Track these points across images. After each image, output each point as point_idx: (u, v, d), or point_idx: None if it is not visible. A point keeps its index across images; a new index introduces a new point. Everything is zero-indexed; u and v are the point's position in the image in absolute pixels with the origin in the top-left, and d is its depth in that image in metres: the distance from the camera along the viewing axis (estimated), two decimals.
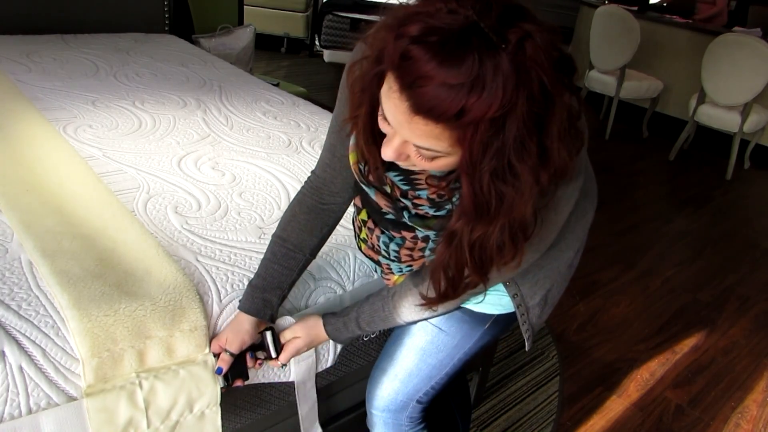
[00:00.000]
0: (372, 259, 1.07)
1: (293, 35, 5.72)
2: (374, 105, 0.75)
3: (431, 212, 0.88)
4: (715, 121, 4.19)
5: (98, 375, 0.94)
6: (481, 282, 0.82)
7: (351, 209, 1.11)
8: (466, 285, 0.83)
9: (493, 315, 1.08)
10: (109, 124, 1.80)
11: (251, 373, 1.12)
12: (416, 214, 0.90)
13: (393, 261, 1.01)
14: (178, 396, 1.00)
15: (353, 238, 1.33)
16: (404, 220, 0.92)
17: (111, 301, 0.99)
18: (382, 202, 0.94)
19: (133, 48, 2.71)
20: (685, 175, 4.24)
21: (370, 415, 1.24)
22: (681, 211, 3.65)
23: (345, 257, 1.28)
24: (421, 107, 0.64)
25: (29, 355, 0.92)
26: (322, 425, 1.41)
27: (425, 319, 1.08)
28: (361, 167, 0.93)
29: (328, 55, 4.77)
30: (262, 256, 1.21)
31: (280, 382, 1.22)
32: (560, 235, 0.94)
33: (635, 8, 4.99)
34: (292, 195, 1.49)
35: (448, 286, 0.84)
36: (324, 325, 1.09)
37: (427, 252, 0.96)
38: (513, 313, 1.07)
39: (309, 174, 1.10)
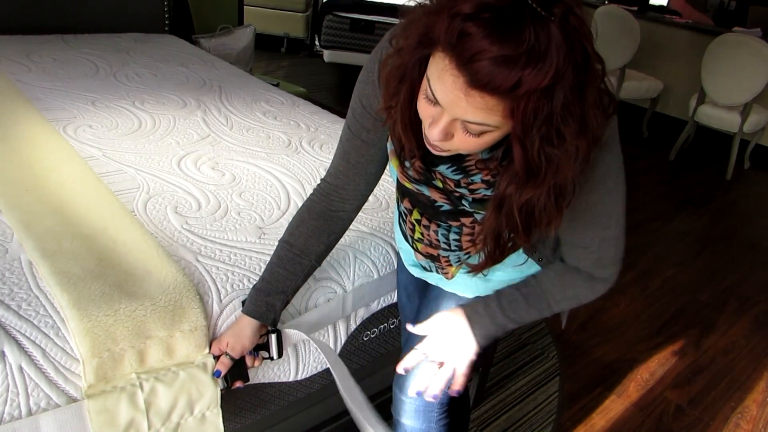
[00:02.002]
0: (431, 257, 1.07)
1: (293, 35, 5.72)
2: (413, 91, 0.79)
3: (489, 193, 0.91)
4: (715, 121, 4.19)
5: (99, 375, 0.94)
6: (525, 244, 0.89)
7: (392, 214, 1.10)
8: (511, 247, 0.91)
9: None
10: (109, 124, 1.80)
11: (251, 372, 1.12)
12: (474, 199, 0.92)
13: (454, 251, 1.02)
14: (179, 397, 1.00)
15: (354, 238, 1.33)
16: (463, 207, 0.94)
17: (111, 301, 0.99)
18: (437, 196, 0.95)
19: (133, 48, 2.71)
20: (685, 175, 4.24)
21: (399, 402, 1.23)
22: (681, 211, 3.65)
23: (345, 257, 1.28)
24: (478, 82, 0.67)
25: (29, 355, 0.92)
26: (322, 426, 1.41)
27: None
28: (407, 170, 0.95)
29: (328, 55, 4.76)
30: (262, 256, 1.21)
31: (280, 382, 1.22)
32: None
33: (635, 8, 5.00)
34: (292, 195, 1.49)
35: (496, 250, 0.89)
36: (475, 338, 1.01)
37: None
38: None
39: (319, 181, 1.10)
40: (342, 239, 1.14)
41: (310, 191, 1.11)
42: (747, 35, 4.02)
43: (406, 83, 0.79)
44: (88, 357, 0.93)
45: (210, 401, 1.03)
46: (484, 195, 0.91)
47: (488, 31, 0.64)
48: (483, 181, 0.89)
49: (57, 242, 1.12)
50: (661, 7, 5.88)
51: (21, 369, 0.90)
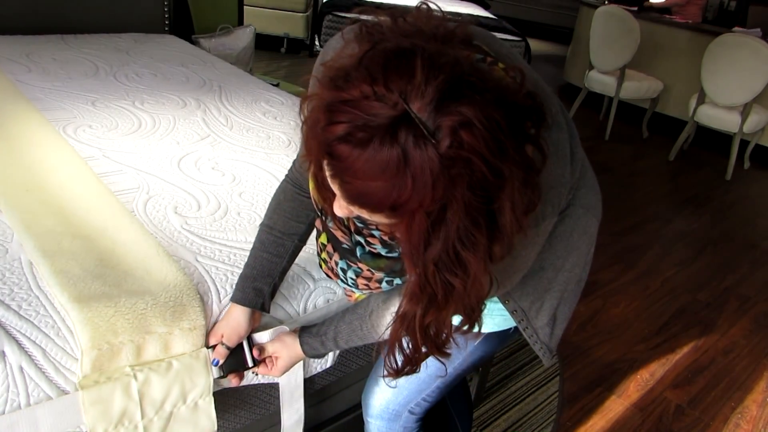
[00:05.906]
0: (331, 279, 1.07)
1: (293, 35, 5.72)
2: (320, 160, 0.68)
3: (383, 252, 0.88)
4: (715, 121, 4.19)
5: (95, 366, 0.94)
6: (443, 357, 0.79)
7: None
8: (426, 355, 0.80)
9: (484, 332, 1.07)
10: (109, 124, 1.80)
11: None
12: (369, 252, 0.89)
13: (350, 286, 1.01)
14: (172, 387, 1.00)
15: None
16: (357, 255, 0.91)
17: (111, 297, 0.99)
18: (338, 233, 0.93)
19: (133, 48, 2.70)
20: (685, 175, 4.24)
21: (366, 422, 1.24)
22: (681, 211, 3.65)
23: None
24: (353, 199, 0.63)
25: (29, 355, 0.92)
26: (322, 426, 1.41)
27: None
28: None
29: None
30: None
31: (271, 384, 1.22)
32: (564, 256, 0.95)
33: (635, 8, 5.00)
34: None
35: (407, 362, 0.81)
36: (301, 345, 1.08)
37: (384, 284, 0.95)
38: (509, 330, 1.09)
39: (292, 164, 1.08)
40: None
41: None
42: (747, 35, 4.02)
43: (313, 151, 0.67)
44: (87, 348, 0.93)
45: (203, 390, 1.04)
46: (379, 252, 0.88)
47: (356, 155, 0.58)
48: (380, 239, 0.86)
49: (57, 242, 1.12)
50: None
51: (21, 369, 0.90)
